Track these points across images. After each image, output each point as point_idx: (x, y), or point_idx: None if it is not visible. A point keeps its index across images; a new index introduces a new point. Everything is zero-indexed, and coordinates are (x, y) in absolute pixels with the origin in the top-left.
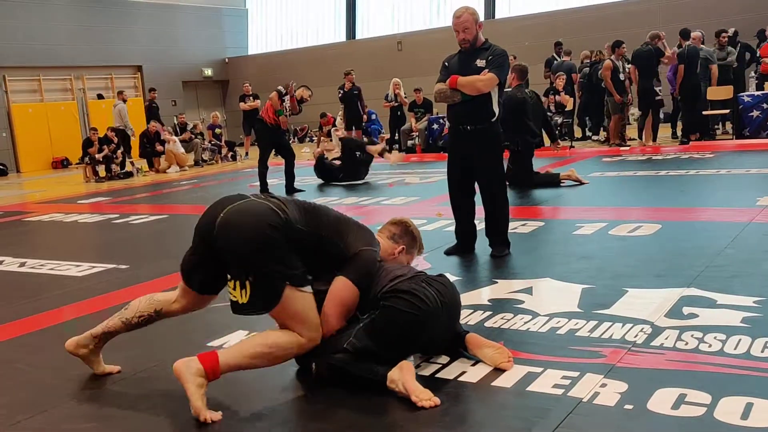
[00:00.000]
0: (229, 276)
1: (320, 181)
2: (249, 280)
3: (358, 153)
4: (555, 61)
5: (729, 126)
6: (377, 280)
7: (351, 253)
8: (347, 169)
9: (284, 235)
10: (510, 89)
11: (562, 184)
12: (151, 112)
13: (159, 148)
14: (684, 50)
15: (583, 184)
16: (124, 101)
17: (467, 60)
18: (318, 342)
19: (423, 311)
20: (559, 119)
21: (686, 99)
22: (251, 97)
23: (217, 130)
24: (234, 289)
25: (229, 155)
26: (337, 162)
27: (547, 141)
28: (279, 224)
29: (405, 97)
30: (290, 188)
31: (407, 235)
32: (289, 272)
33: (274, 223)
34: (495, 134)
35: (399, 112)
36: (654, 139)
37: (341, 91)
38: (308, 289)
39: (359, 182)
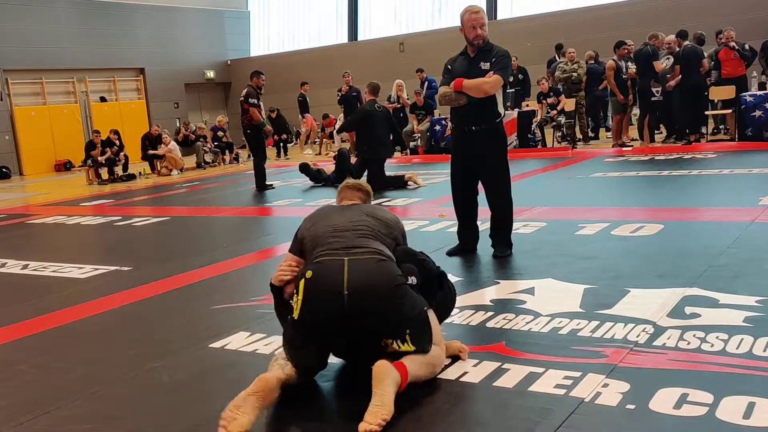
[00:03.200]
0: (383, 341)
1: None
2: (408, 332)
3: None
4: (555, 63)
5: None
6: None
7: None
8: (338, 179)
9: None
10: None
11: (408, 186)
12: (302, 105)
13: (160, 150)
14: (679, 51)
15: (420, 186)
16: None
17: (471, 62)
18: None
19: None
20: (562, 120)
21: (684, 98)
22: None
23: (219, 133)
24: (399, 346)
25: (231, 158)
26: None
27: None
28: (400, 273)
29: (407, 99)
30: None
31: (370, 197)
32: (424, 300)
33: (399, 276)
34: (500, 134)
35: (401, 114)
36: (652, 140)
37: (339, 94)
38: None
39: None
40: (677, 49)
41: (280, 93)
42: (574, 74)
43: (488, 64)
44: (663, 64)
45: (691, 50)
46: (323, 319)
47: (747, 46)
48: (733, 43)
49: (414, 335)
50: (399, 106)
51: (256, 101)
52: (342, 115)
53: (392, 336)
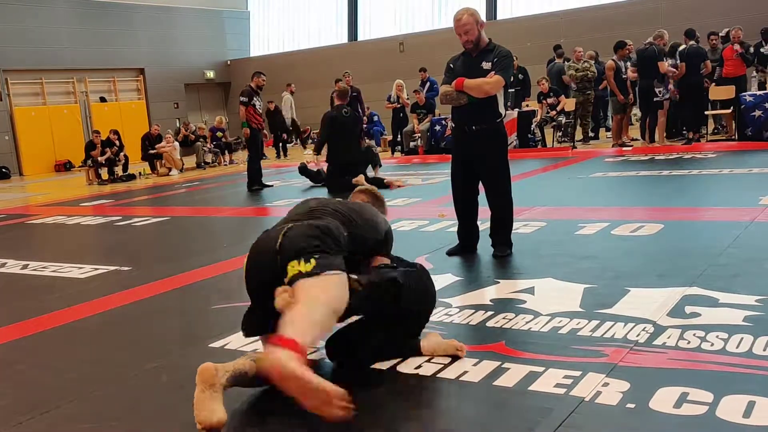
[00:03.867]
0: (288, 267)
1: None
2: (315, 257)
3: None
4: (553, 63)
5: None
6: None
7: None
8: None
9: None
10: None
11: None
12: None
13: (161, 150)
14: (684, 50)
15: (401, 187)
16: (292, 93)
17: (472, 62)
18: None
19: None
20: (562, 120)
21: (685, 97)
22: None
23: (218, 134)
24: (298, 264)
25: (231, 158)
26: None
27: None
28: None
29: (407, 99)
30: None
31: (378, 201)
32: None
33: (324, 229)
34: (501, 134)
35: (401, 114)
36: (652, 140)
37: None
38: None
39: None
40: (683, 46)
41: (279, 93)
42: (589, 72)
43: (490, 63)
44: (667, 64)
45: (695, 50)
46: (259, 285)
47: (752, 49)
48: (737, 45)
49: (320, 260)
50: (399, 106)
51: (247, 100)
52: None
53: (297, 257)
